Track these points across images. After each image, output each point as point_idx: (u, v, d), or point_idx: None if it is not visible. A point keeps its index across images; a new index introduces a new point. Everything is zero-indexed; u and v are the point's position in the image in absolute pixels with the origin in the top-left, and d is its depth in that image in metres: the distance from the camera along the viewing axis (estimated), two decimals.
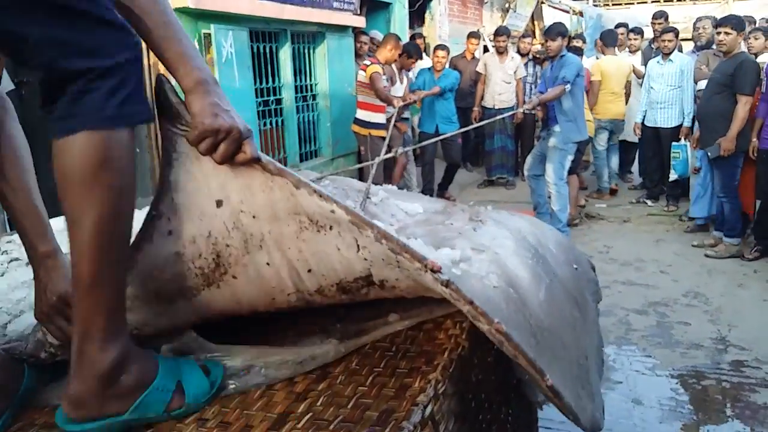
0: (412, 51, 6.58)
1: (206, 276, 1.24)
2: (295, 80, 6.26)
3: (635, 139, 7.08)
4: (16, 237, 1.72)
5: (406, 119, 7.17)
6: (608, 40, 7.28)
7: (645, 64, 6.98)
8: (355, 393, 1.17)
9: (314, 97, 6.65)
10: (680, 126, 6.33)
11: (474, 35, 8.24)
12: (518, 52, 8.08)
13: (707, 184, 5.55)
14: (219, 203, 1.16)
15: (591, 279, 2.14)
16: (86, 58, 0.97)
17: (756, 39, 5.45)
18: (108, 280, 1.03)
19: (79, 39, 0.97)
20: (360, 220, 1.10)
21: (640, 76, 7.06)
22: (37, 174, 1.29)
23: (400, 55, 6.47)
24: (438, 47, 6.96)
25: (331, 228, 1.15)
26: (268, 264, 1.22)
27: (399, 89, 6.55)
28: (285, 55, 6.04)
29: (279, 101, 6.04)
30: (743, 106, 4.83)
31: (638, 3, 16.83)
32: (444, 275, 1.09)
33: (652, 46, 7.13)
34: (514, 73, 7.68)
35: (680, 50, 6.75)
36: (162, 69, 1.11)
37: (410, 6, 8.87)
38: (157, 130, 4.07)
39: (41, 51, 0.95)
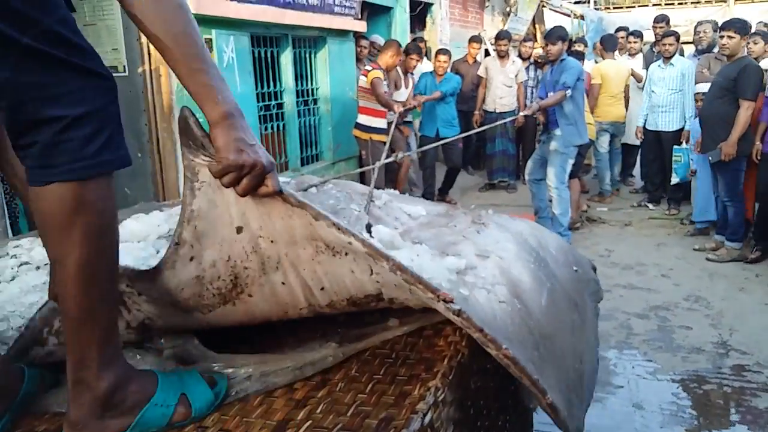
0: (413, 49, 6.58)
1: (223, 296, 1.28)
2: (297, 85, 6.27)
3: (636, 142, 7.09)
4: (23, 241, 1.73)
5: (410, 123, 7.18)
6: (608, 44, 7.31)
7: (646, 67, 6.98)
8: (354, 400, 1.18)
9: (315, 101, 6.66)
10: (681, 129, 6.34)
11: (475, 39, 8.25)
12: (519, 56, 8.08)
13: (708, 187, 5.56)
14: (239, 229, 1.19)
15: (591, 279, 2.16)
16: (57, 105, 0.97)
17: (755, 44, 5.45)
18: (97, 315, 1.05)
19: (50, 85, 0.97)
20: (376, 253, 1.13)
21: (640, 80, 7.07)
22: None
23: (406, 56, 6.49)
24: (440, 51, 6.97)
25: (346, 254, 1.19)
26: (283, 283, 1.26)
27: (403, 93, 6.57)
28: (286, 59, 6.05)
29: (280, 106, 6.05)
30: (745, 111, 4.80)
31: (639, 6, 16.87)
32: (456, 305, 1.12)
33: (654, 49, 7.13)
34: (515, 76, 7.67)
35: (681, 54, 6.76)
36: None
37: (411, 10, 8.88)
38: (158, 134, 4.06)
39: (9, 94, 0.95)
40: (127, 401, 1.10)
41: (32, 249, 1.68)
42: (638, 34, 7.74)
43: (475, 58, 8.17)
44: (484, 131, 7.36)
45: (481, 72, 7.79)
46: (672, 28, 7.11)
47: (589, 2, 17.18)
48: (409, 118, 7.06)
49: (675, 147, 6.23)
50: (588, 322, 1.84)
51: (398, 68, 6.55)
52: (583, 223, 6.39)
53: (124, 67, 4.57)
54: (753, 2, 15.95)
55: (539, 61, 7.86)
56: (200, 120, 1.12)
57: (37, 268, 1.62)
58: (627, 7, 17.44)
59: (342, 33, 6.76)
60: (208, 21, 4.74)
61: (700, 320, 4.04)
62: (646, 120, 6.65)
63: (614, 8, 17.50)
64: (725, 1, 16.11)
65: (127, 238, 1.63)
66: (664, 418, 2.97)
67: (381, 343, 1.41)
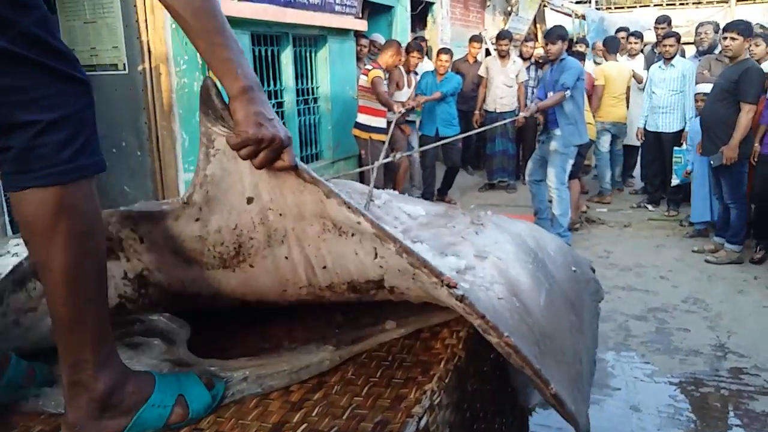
0: (415, 47, 6.57)
1: (224, 260, 1.30)
2: (297, 83, 6.26)
3: (637, 143, 7.10)
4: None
5: (412, 122, 7.18)
6: (611, 46, 7.32)
7: (648, 68, 6.98)
8: (350, 403, 1.18)
9: (315, 100, 6.66)
10: (682, 131, 6.34)
11: (476, 39, 8.24)
12: (520, 55, 8.07)
13: (706, 188, 5.56)
14: (250, 200, 1.21)
15: (591, 279, 2.16)
16: (32, 109, 0.96)
17: (757, 46, 5.44)
18: (87, 317, 1.05)
19: (25, 89, 0.96)
20: (383, 234, 1.14)
21: (641, 81, 7.07)
22: None
23: (407, 53, 6.48)
24: (441, 51, 6.97)
25: (353, 235, 1.20)
26: (286, 258, 1.27)
27: (406, 93, 6.56)
28: (286, 58, 6.05)
29: (280, 104, 6.04)
30: (746, 114, 4.78)
31: (641, 6, 16.86)
32: (459, 290, 1.12)
33: (655, 50, 7.13)
34: (516, 76, 7.67)
35: (683, 55, 6.75)
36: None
37: (412, 9, 8.88)
38: (158, 133, 4.07)
39: None
40: (124, 402, 1.10)
41: None
42: (639, 35, 7.74)
43: (475, 57, 8.16)
44: (484, 131, 7.36)
45: (481, 72, 7.78)
46: (673, 29, 7.11)
47: (590, 2, 17.18)
48: (411, 117, 7.06)
49: (675, 148, 6.23)
50: (586, 323, 1.84)
51: (401, 67, 6.55)
52: (583, 224, 6.39)
53: (124, 65, 4.57)
54: (755, 3, 15.95)
55: (540, 61, 7.86)
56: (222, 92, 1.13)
57: None
58: (628, 7, 17.43)
59: (343, 32, 6.76)
60: None
61: (698, 322, 4.04)
62: (646, 121, 6.65)
63: (615, 8, 17.49)
64: (727, 2, 16.10)
65: None
66: (661, 421, 2.97)
67: (377, 345, 1.41)
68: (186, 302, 1.51)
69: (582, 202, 6.71)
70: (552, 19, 12.08)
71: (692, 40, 7.21)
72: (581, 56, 7.00)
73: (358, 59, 7.08)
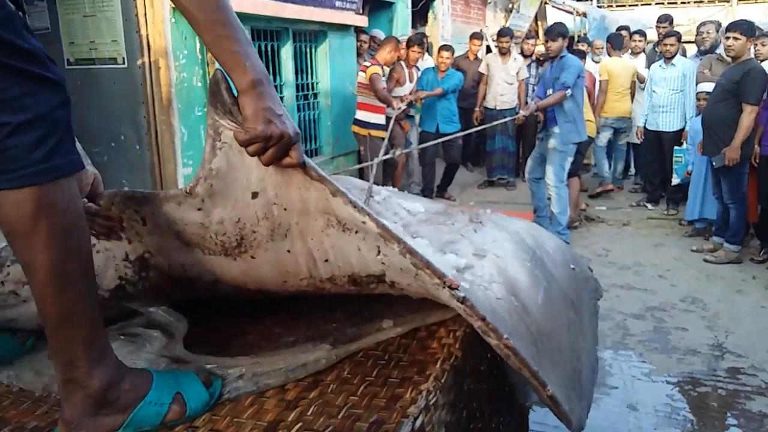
0: (415, 41, 6.56)
1: (225, 249, 1.30)
2: (297, 79, 6.25)
3: (637, 141, 7.11)
4: None
5: (411, 117, 7.17)
6: (615, 42, 7.33)
7: (649, 67, 6.97)
8: (346, 402, 1.17)
9: (315, 95, 6.64)
10: (682, 130, 6.33)
11: (477, 36, 8.22)
12: (521, 53, 8.06)
13: (702, 187, 5.58)
14: (255, 195, 1.20)
15: (589, 277, 2.16)
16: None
17: (763, 45, 5.42)
18: (76, 316, 1.04)
19: None
20: (388, 235, 1.13)
21: (643, 81, 7.07)
22: None
23: (408, 48, 6.46)
24: (442, 47, 6.95)
25: (356, 232, 1.20)
26: (288, 251, 1.27)
27: (407, 88, 6.55)
28: (286, 53, 6.03)
29: (280, 99, 6.02)
30: (748, 115, 4.75)
31: (642, 5, 16.80)
32: (460, 292, 1.12)
33: (656, 49, 7.12)
34: (517, 74, 7.66)
35: (684, 54, 6.74)
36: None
37: (413, 5, 8.86)
38: (157, 127, 4.05)
39: None
40: (120, 399, 1.10)
41: None
42: (643, 33, 7.73)
43: (476, 54, 8.14)
44: (485, 128, 7.36)
45: (482, 69, 7.77)
46: (674, 28, 7.10)
47: (591, 0, 17.13)
48: (411, 113, 7.05)
49: (676, 148, 6.23)
50: (585, 320, 1.84)
51: (402, 63, 6.53)
52: (582, 222, 6.39)
53: (123, 59, 4.55)
54: (756, 2, 15.90)
55: (541, 58, 7.84)
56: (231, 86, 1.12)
57: None
58: (630, 5, 17.37)
59: (343, 28, 6.74)
60: None
61: (696, 322, 4.03)
62: (646, 120, 6.64)
63: (617, 6, 17.43)
64: (728, 1, 16.05)
65: None
66: (658, 420, 2.97)
67: (374, 344, 1.40)
68: (186, 287, 1.51)
69: (582, 200, 6.71)
70: (553, 17, 12.05)
71: (693, 39, 7.20)
72: (582, 54, 6.99)
73: (359, 55, 7.06)
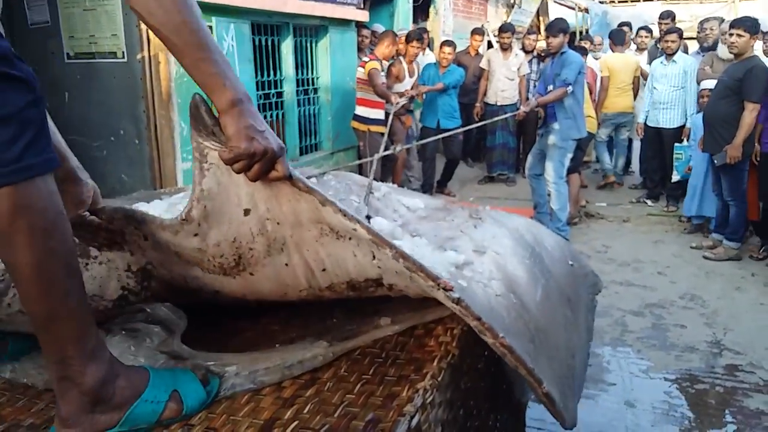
0: (415, 36, 6.54)
1: (224, 269, 1.31)
2: (297, 74, 6.23)
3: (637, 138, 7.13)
4: None
5: (411, 112, 7.16)
6: (617, 38, 7.32)
7: (650, 63, 6.96)
8: (342, 401, 1.17)
9: (315, 90, 6.63)
10: (683, 127, 6.32)
11: (478, 32, 8.20)
12: (523, 48, 8.03)
13: (701, 184, 5.59)
14: (247, 212, 1.21)
15: (588, 273, 2.17)
16: None
17: None
18: (63, 314, 1.04)
19: None
20: (380, 240, 1.14)
21: (646, 77, 7.06)
22: None
23: (407, 43, 6.44)
24: (444, 43, 6.94)
25: (350, 239, 1.21)
26: (286, 264, 1.28)
27: (407, 83, 6.54)
28: (287, 48, 6.02)
29: (280, 94, 6.02)
30: (749, 113, 4.73)
31: (644, 0, 16.74)
32: (455, 293, 1.13)
33: (658, 45, 7.10)
34: (518, 69, 7.64)
35: (685, 51, 6.72)
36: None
37: (414, 0, 8.83)
38: (156, 122, 4.04)
39: None
40: (116, 396, 1.10)
41: None
42: (649, 30, 7.73)
43: (477, 50, 8.12)
44: (486, 124, 7.35)
45: (483, 64, 7.75)
46: (676, 24, 7.08)
47: None
48: (411, 107, 7.04)
49: (676, 144, 6.22)
50: (580, 317, 1.85)
51: (401, 59, 6.52)
52: (582, 219, 6.39)
53: (123, 53, 4.54)
54: None
55: (542, 54, 7.82)
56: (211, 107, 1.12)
57: None
58: (632, 1, 17.32)
59: (344, 22, 6.72)
60: (208, 8, 4.71)
61: (694, 319, 4.04)
62: (647, 116, 6.63)
63: (619, 2, 17.38)
64: None
65: None
66: (655, 417, 2.98)
67: (371, 342, 1.40)
68: (188, 296, 1.51)
69: (582, 196, 6.70)
70: (555, 12, 12.00)
71: (694, 35, 7.18)
72: (583, 51, 6.98)
73: (360, 50, 7.04)
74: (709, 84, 5.57)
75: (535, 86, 7.60)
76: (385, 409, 1.12)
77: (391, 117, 3.16)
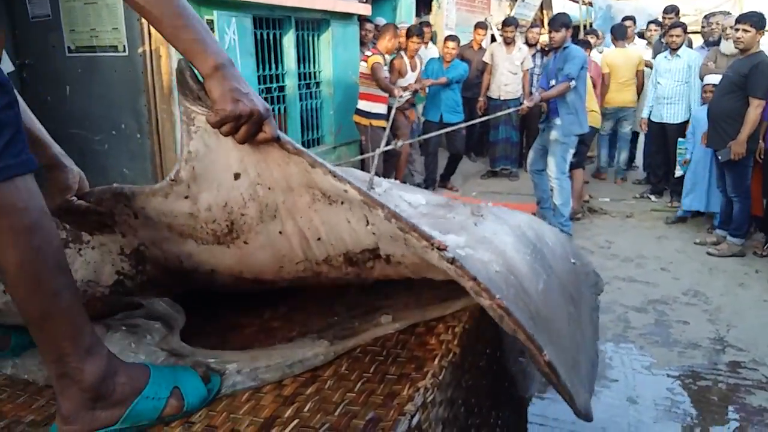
0: (415, 31, 6.52)
1: (217, 237, 1.31)
2: (299, 67, 6.21)
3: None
4: None
5: (415, 106, 7.14)
6: (618, 33, 7.29)
7: (654, 58, 6.93)
8: (343, 399, 1.17)
9: (318, 84, 6.61)
10: (687, 122, 6.28)
11: (481, 26, 8.17)
12: (526, 42, 8.00)
13: (701, 177, 5.61)
14: (237, 176, 1.21)
15: (590, 272, 2.15)
16: None
17: None
18: (55, 312, 1.04)
19: None
20: (371, 201, 1.14)
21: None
22: None
23: (407, 39, 6.42)
24: (448, 38, 6.92)
25: (342, 203, 1.20)
26: (280, 232, 1.28)
27: (410, 78, 6.52)
28: (289, 42, 5.99)
29: (282, 88, 6.00)
30: (754, 109, 4.69)
31: None
32: (449, 253, 1.12)
33: (662, 40, 7.07)
34: (521, 64, 7.61)
35: (690, 45, 6.68)
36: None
37: None
38: (158, 116, 4.03)
39: None
40: (116, 393, 1.10)
41: None
42: (659, 23, 7.71)
43: (480, 44, 8.09)
44: (489, 119, 7.33)
45: (486, 58, 7.72)
46: (681, 18, 7.05)
47: None
48: (413, 101, 7.02)
49: (680, 139, 6.19)
50: (584, 315, 1.83)
51: (403, 55, 6.49)
52: (585, 214, 6.37)
53: (124, 46, 4.53)
54: None
55: (546, 48, 7.79)
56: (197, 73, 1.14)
57: None
58: None
59: (346, 16, 6.70)
60: (210, 2, 4.70)
61: (697, 315, 4.02)
62: (651, 111, 6.60)
63: None
64: None
65: None
66: (657, 413, 2.97)
67: (372, 340, 1.39)
68: (185, 279, 1.50)
69: (585, 191, 6.69)
70: (558, 6, 11.95)
71: (698, 29, 7.14)
72: (586, 44, 6.95)
73: (363, 44, 7.02)
74: (713, 79, 5.53)
75: (538, 81, 7.58)
76: (385, 408, 1.12)
77: (393, 111, 3.15)
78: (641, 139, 7.53)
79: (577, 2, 12.23)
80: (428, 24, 8.11)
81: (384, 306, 1.58)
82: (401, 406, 1.11)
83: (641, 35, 8.25)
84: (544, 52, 7.82)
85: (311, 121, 6.55)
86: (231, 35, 4.97)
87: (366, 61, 6.02)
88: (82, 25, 4.63)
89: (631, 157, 7.91)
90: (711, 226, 5.68)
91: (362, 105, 6.19)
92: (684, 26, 6.36)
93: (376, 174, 1.94)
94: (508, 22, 7.69)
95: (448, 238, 1.37)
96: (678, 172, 6.22)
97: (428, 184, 7.02)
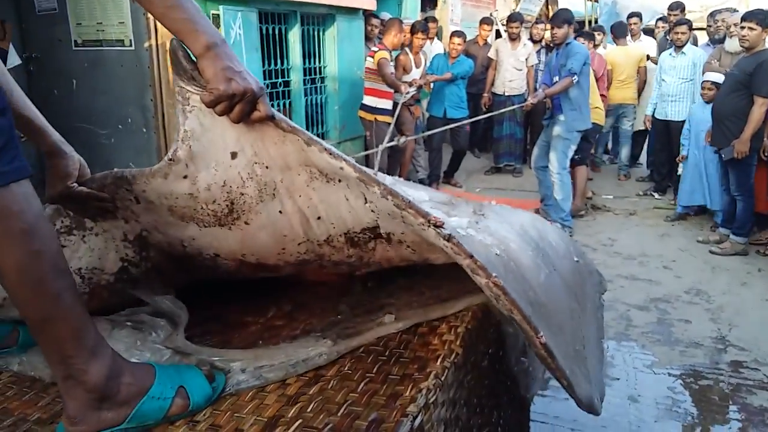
0: (419, 27, 6.52)
1: (219, 218, 1.32)
2: (304, 62, 6.21)
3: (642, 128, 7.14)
4: None
5: (419, 102, 7.14)
6: (618, 31, 7.29)
7: (659, 55, 6.91)
8: (345, 399, 1.18)
9: (323, 79, 6.60)
10: None
11: (487, 21, 8.14)
12: (531, 38, 7.98)
13: (698, 173, 5.66)
14: (234, 155, 1.22)
15: (593, 271, 2.16)
16: None
17: None
18: (57, 315, 1.04)
19: None
20: (367, 178, 1.14)
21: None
22: None
23: (412, 35, 6.42)
24: (454, 34, 6.91)
25: (339, 180, 1.21)
26: (280, 212, 1.29)
27: (415, 74, 6.52)
28: (294, 37, 5.99)
29: (287, 83, 6.00)
30: (759, 107, 4.68)
31: None
32: (446, 230, 1.12)
33: (667, 37, 7.05)
34: (526, 60, 7.60)
35: (695, 43, 6.66)
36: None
37: None
38: (164, 109, 4.04)
39: None
40: (122, 393, 1.10)
41: None
42: (666, 20, 7.69)
43: (485, 39, 8.08)
44: (493, 115, 7.33)
45: (491, 54, 7.71)
46: (686, 15, 7.02)
47: None
48: (419, 96, 7.02)
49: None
50: (588, 312, 1.84)
51: (408, 51, 6.49)
52: (588, 211, 6.37)
53: (130, 41, 4.53)
54: None
55: (551, 44, 7.77)
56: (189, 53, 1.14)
57: None
58: None
59: (351, 11, 6.69)
60: None
61: (700, 314, 4.03)
62: (655, 109, 6.59)
63: None
64: None
65: None
66: (658, 412, 2.98)
67: (375, 339, 1.40)
68: (189, 265, 1.52)
69: (588, 189, 6.68)
70: (564, 2, 11.91)
71: (703, 26, 7.12)
72: (590, 36, 6.95)
73: (369, 39, 7.01)
74: (712, 76, 5.54)
75: (541, 77, 7.57)
76: (388, 409, 1.13)
77: (399, 107, 3.14)
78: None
79: None
80: (434, 19, 8.10)
81: (387, 304, 1.59)
82: (404, 407, 1.12)
83: (648, 32, 8.22)
84: (548, 48, 7.79)
85: (316, 116, 6.55)
86: (236, 30, 4.97)
87: (372, 57, 6.02)
88: (89, 19, 4.63)
89: (636, 155, 7.90)
90: (714, 224, 5.68)
91: (367, 100, 6.19)
92: (689, 23, 6.34)
93: (381, 169, 1.95)
94: (514, 18, 7.67)
95: (449, 221, 1.38)
96: (681, 170, 6.22)
97: (432, 180, 7.02)
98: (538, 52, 7.79)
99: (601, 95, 6.61)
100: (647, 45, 7.74)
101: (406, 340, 1.41)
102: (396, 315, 1.49)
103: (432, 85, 6.88)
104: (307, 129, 6.26)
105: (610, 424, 2.90)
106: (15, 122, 1.27)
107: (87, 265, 1.44)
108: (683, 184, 5.89)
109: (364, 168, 1.17)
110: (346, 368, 1.30)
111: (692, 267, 4.89)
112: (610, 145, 8.44)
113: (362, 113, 6.26)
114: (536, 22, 8.37)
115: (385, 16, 7.32)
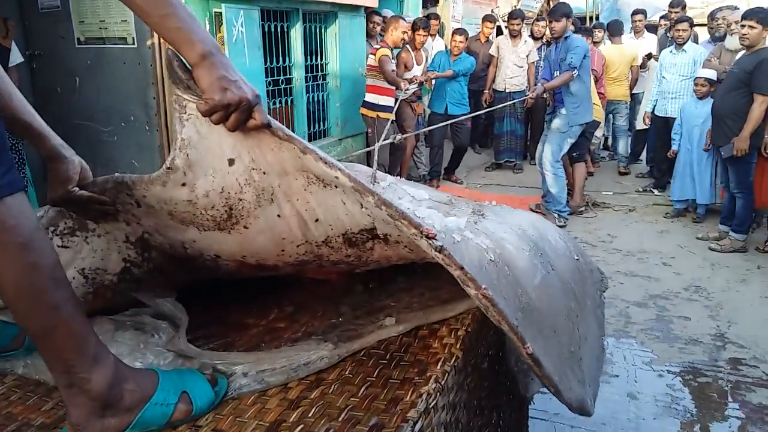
0: (420, 24, 6.52)
1: (218, 223, 1.33)
2: (306, 60, 6.22)
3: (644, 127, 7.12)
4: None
5: (421, 98, 7.15)
6: (614, 29, 7.32)
7: (660, 52, 6.92)
8: (346, 404, 1.19)
9: (324, 77, 6.62)
10: None
11: (489, 18, 8.14)
12: (531, 35, 7.98)
13: (689, 168, 5.72)
14: (231, 162, 1.23)
15: (594, 269, 2.18)
16: None
17: None
18: (57, 326, 1.04)
19: None
20: (362, 188, 1.16)
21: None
22: None
23: (413, 32, 6.42)
24: (456, 31, 6.91)
25: (336, 186, 1.22)
26: (278, 216, 1.30)
27: (417, 71, 6.52)
28: (296, 34, 6.00)
29: (289, 81, 6.02)
30: (759, 105, 4.68)
31: None
32: (438, 242, 1.13)
33: (668, 35, 7.05)
34: (527, 57, 7.60)
35: (695, 40, 6.65)
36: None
37: None
38: (167, 108, 4.06)
39: None
40: (125, 400, 1.11)
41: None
42: (668, 18, 7.69)
43: (488, 37, 8.07)
44: (494, 111, 7.34)
45: (492, 51, 7.71)
46: (687, 11, 7.02)
47: None
48: (420, 93, 7.02)
49: None
50: (587, 310, 1.85)
51: (409, 48, 6.49)
52: (587, 207, 6.38)
53: (133, 39, 4.55)
54: None
55: (550, 41, 7.77)
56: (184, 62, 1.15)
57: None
58: None
59: (353, 8, 6.69)
60: None
61: (699, 311, 4.05)
62: (655, 106, 6.60)
63: None
64: None
65: None
66: (657, 409, 3.00)
67: (376, 343, 1.42)
68: (191, 266, 1.53)
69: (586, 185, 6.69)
70: None
71: (705, 22, 7.11)
72: (588, 32, 6.96)
73: (371, 36, 7.01)
74: (705, 72, 5.56)
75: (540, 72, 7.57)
76: (388, 414, 1.14)
77: (398, 103, 3.16)
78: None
79: None
80: (435, 16, 8.09)
81: (387, 306, 1.61)
82: (404, 412, 1.14)
83: (650, 28, 8.21)
84: (549, 44, 7.79)
85: (318, 113, 6.56)
86: (239, 28, 4.98)
87: (374, 54, 6.03)
88: (92, 17, 4.65)
89: (638, 153, 7.90)
90: (696, 216, 5.75)
91: (369, 97, 6.21)
92: (690, 21, 6.34)
93: (382, 167, 1.96)
94: (515, 15, 7.66)
95: (448, 220, 1.40)
96: None
97: (433, 176, 7.04)
98: (539, 49, 7.79)
99: (600, 93, 6.61)
100: (647, 42, 7.73)
101: (406, 343, 1.43)
102: (396, 317, 1.51)
103: (434, 82, 6.88)
104: (309, 126, 6.33)
105: (610, 421, 2.92)
106: (14, 126, 1.30)
107: (90, 266, 1.46)
108: (674, 179, 5.93)
109: (361, 172, 1.19)
110: (347, 372, 1.32)
111: (691, 264, 4.90)
112: (609, 142, 8.45)
113: (364, 110, 6.28)
114: (537, 19, 8.36)
115: (387, 13, 7.31)
